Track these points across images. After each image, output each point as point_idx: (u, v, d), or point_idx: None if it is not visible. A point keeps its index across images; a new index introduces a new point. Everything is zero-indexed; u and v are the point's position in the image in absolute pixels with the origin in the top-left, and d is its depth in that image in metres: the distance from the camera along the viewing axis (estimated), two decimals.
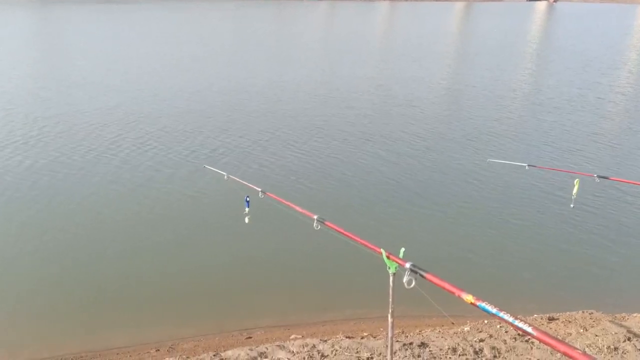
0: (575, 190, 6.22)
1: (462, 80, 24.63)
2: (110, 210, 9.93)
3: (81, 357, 6.11)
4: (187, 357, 4.98)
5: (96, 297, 7.40)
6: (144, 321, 7.01)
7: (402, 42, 39.17)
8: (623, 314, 6.62)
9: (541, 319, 6.44)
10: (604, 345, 5.19)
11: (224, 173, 7.06)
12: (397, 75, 24.43)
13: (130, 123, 15.57)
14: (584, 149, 14.14)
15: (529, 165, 7.68)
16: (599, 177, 6.27)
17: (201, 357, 4.95)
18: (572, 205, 6.48)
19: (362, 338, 5.47)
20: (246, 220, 5.52)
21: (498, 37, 41.18)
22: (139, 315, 7.12)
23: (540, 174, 11.63)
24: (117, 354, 6.17)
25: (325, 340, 5.22)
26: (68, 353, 6.21)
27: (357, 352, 4.89)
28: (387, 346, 4.51)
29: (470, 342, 5.19)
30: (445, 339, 5.27)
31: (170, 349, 6.18)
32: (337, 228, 4.38)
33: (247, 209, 5.51)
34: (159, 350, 6.17)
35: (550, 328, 6.08)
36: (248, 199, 5.53)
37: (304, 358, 4.78)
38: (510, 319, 2.67)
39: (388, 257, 3.79)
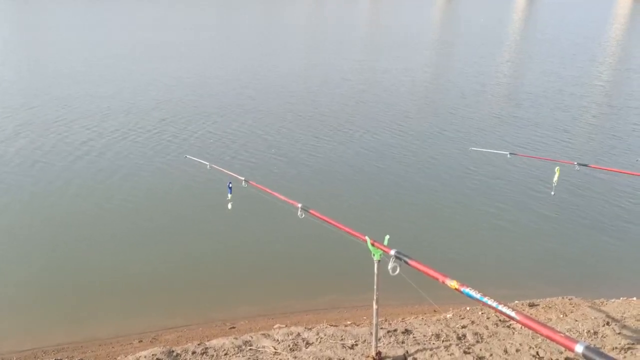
0: (555, 178, 6.33)
1: (443, 70, 24.73)
2: (90, 201, 9.79)
3: (63, 348, 6.04)
4: (171, 347, 4.94)
5: (78, 288, 7.32)
6: (127, 312, 6.96)
7: (385, 32, 39.13)
8: (602, 300, 6.75)
9: (522, 304, 6.54)
10: (584, 330, 5.29)
11: (207, 163, 7.02)
12: (379, 66, 24.43)
13: (106, 113, 15.30)
14: (565, 137, 14.32)
15: (510, 154, 7.80)
16: (579, 164, 6.37)
17: (185, 346, 4.92)
18: (552, 193, 6.60)
19: (346, 326, 5.50)
20: (229, 206, 5.50)
21: (479, 28, 41.35)
22: (122, 306, 7.06)
23: (521, 162, 11.77)
24: (100, 345, 6.11)
25: (310, 329, 5.23)
26: (50, 345, 6.14)
27: (342, 339, 4.91)
28: (371, 333, 4.54)
29: (453, 329, 5.25)
30: (429, 326, 5.32)
31: (154, 340, 6.14)
32: (321, 216, 4.38)
33: (229, 196, 5.50)
34: (141, 341, 6.13)
35: (531, 313, 6.17)
36: (230, 185, 5.52)
37: (289, 346, 4.79)
38: (494, 304, 2.71)
39: (373, 245, 3.81)
